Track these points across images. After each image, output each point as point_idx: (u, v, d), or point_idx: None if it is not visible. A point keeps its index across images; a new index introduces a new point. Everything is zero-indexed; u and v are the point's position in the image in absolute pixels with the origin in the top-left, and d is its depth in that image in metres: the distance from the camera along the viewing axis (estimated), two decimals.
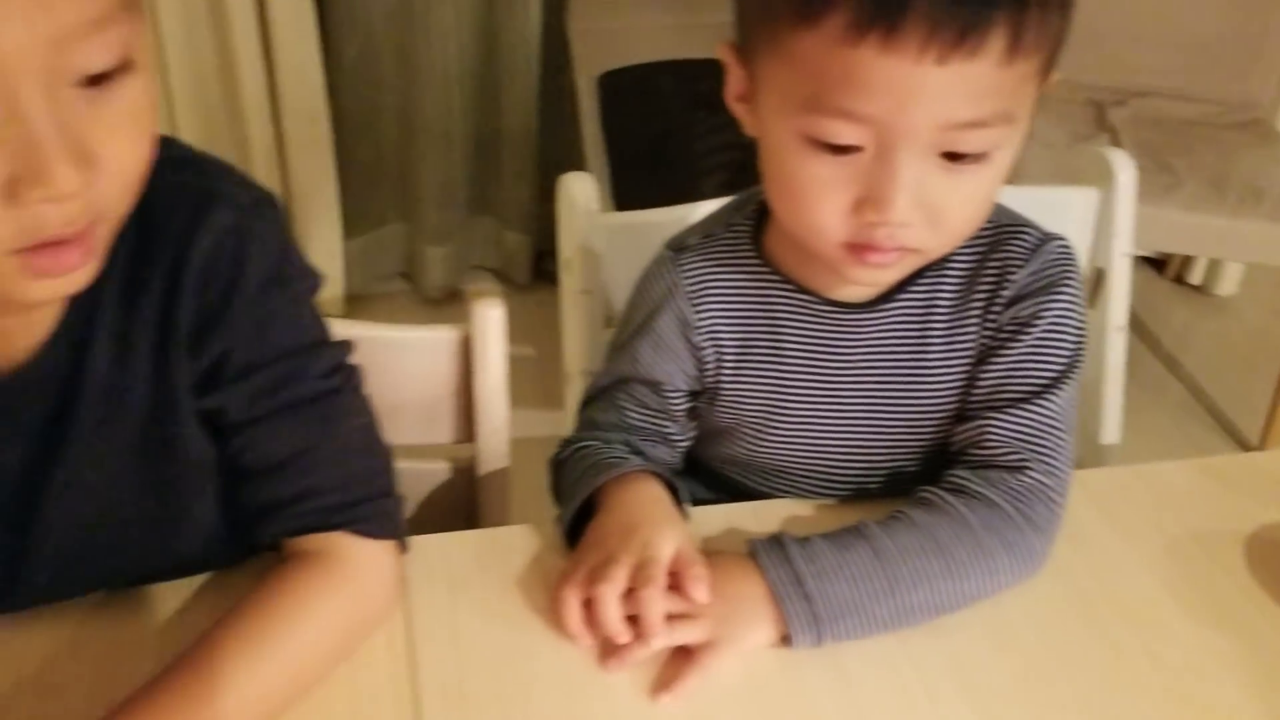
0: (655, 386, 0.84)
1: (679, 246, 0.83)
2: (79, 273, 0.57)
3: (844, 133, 0.66)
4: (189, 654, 0.63)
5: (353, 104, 2.18)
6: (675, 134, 2.13)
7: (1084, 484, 0.82)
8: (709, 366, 0.82)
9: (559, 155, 2.29)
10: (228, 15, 1.88)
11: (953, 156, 0.67)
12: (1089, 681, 0.69)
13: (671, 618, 0.69)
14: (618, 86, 2.10)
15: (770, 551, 0.72)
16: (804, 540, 0.72)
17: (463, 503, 0.95)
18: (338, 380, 0.70)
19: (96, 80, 0.53)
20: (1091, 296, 1.13)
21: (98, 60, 0.53)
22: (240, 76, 1.94)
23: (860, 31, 0.63)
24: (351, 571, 0.69)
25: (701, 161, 2.12)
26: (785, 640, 0.70)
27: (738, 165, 2.12)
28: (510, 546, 0.78)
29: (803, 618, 0.69)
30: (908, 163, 0.67)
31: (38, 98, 0.51)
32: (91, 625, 0.70)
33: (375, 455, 0.72)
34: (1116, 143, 2.19)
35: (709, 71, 2.40)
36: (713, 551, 0.74)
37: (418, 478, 0.94)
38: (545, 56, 2.20)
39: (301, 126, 2.04)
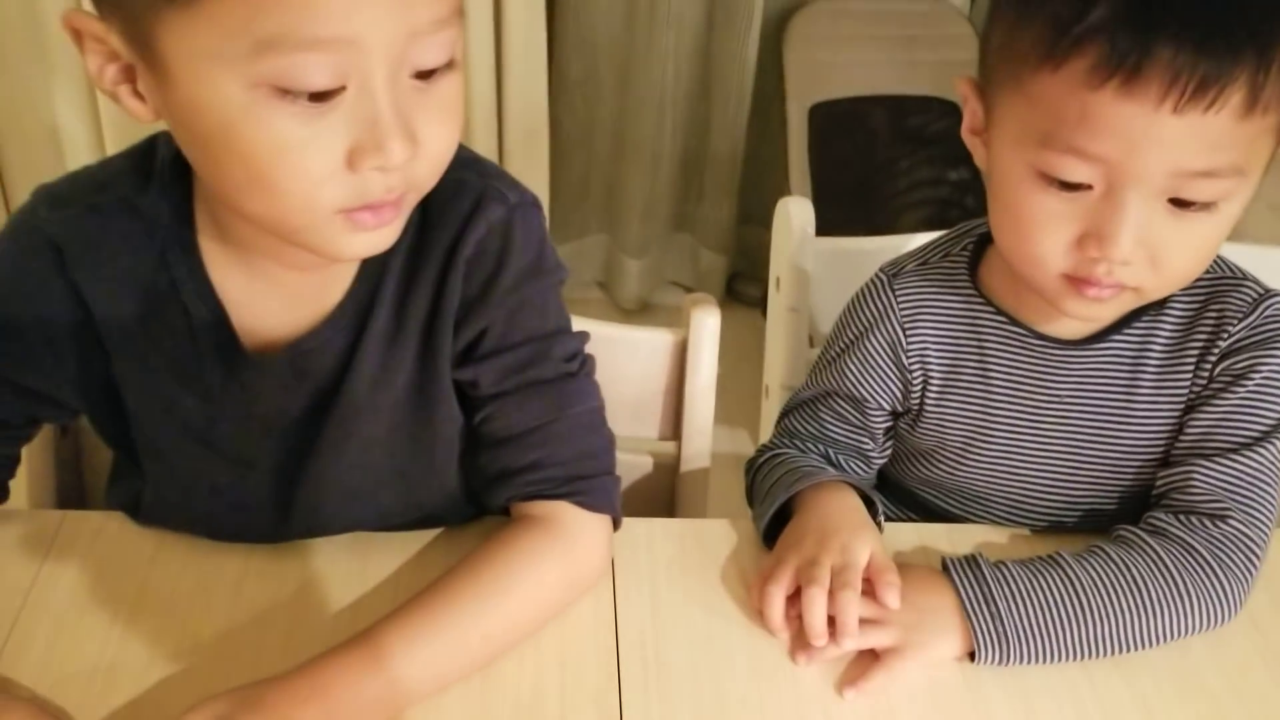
0: (858, 403, 0.88)
1: (895, 271, 0.87)
2: (387, 230, 0.65)
3: (1075, 170, 0.69)
4: (425, 594, 0.71)
5: (570, 119, 2.28)
6: (880, 167, 2.15)
7: None
8: (915, 388, 0.86)
9: (760, 181, 2.34)
10: (466, 29, 2.01)
11: (1180, 203, 0.69)
12: None
13: (863, 621, 0.73)
14: (828, 117, 2.14)
15: (963, 568, 0.75)
16: (997, 562, 0.75)
17: (662, 496, 1.00)
18: (575, 365, 0.77)
19: (427, 74, 0.62)
20: None
21: (433, 57, 0.61)
22: (471, 87, 2.06)
23: (1102, 76, 0.66)
24: (570, 538, 0.75)
25: (904, 196, 2.14)
26: (970, 655, 0.73)
27: (939, 202, 2.13)
28: (710, 537, 0.83)
29: (990, 635, 0.72)
30: (1135, 204, 0.69)
31: (385, 82, 0.59)
32: (340, 562, 0.78)
33: (601, 436, 0.79)
34: None
35: (919, 108, 2.41)
36: (905, 564, 0.77)
37: (622, 468, 1.00)
38: (758, 84, 2.25)
39: (522, 138, 2.14)
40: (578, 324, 0.81)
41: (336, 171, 0.61)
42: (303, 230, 0.64)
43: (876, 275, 0.87)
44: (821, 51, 2.17)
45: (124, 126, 1.88)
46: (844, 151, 2.15)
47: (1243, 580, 0.75)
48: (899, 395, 0.87)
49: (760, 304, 2.34)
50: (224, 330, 0.73)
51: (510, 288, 0.73)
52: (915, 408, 0.87)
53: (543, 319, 0.76)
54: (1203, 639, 0.75)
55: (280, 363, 0.73)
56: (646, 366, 0.97)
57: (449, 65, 0.63)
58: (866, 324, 0.86)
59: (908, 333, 0.85)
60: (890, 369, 0.86)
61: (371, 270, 0.72)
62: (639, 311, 2.41)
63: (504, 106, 2.11)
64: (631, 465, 1.00)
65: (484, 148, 2.14)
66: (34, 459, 0.93)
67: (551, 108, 2.16)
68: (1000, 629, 0.72)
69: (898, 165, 2.14)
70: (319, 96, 0.58)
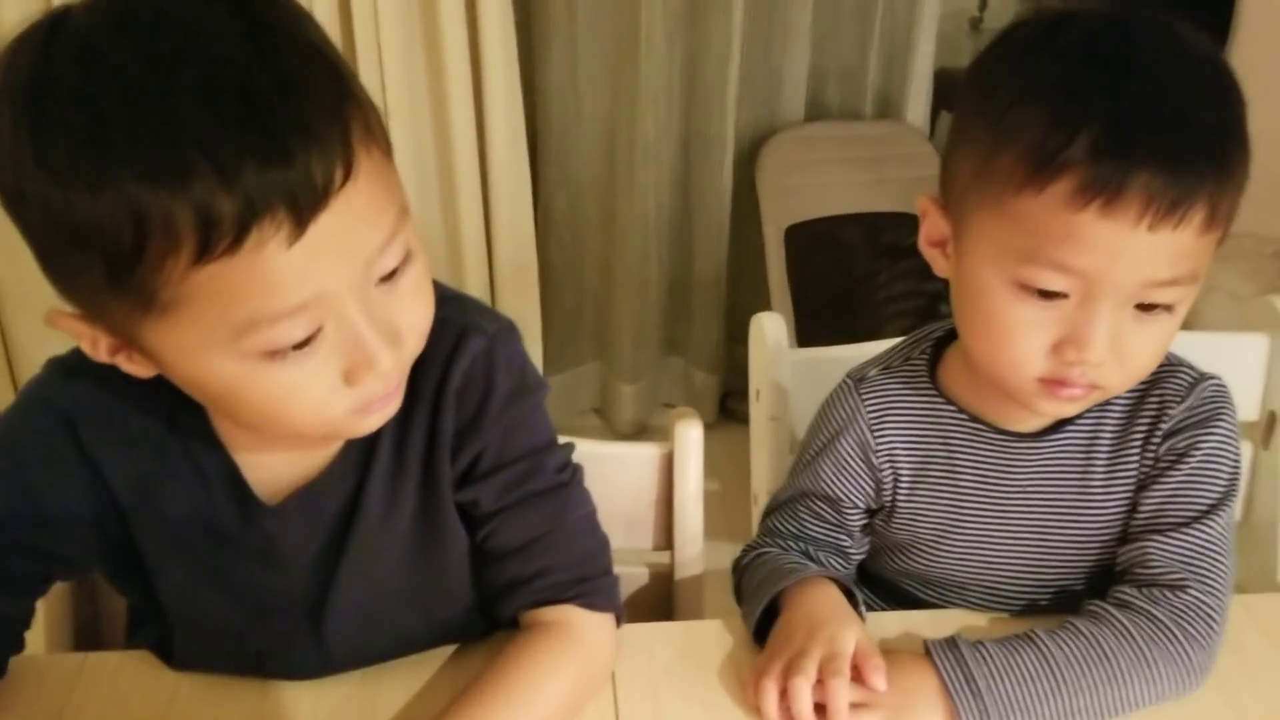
0: (833, 502, 0.93)
1: (860, 377, 0.94)
2: (394, 405, 0.72)
3: (1055, 282, 0.75)
4: (456, 706, 0.75)
5: (559, 253, 2.38)
6: (859, 283, 2.23)
7: (1248, 607, 0.87)
8: (886, 486, 0.91)
9: (746, 301, 2.43)
10: (454, 175, 2.11)
11: (1145, 307, 0.76)
12: None
13: (853, 705, 0.77)
14: (803, 237, 2.24)
15: (945, 650, 0.79)
16: (976, 642, 0.80)
17: (660, 604, 1.05)
18: (567, 475, 0.83)
19: (389, 276, 0.67)
20: (1265, 438, 1.17)
21: (389, 263, 0.66)
22: (461, 230, 2.15)
23: (1086, 199, 0.72)
24: (581, 638, 0.80)
25: (883, 309, 2.22)
26: None
27: (917, 312, 2.21)
28: (706, 638, 0.88)
29: (973, 712, 0.76)
30: (1107, 311, 0.75)
31: (355, 306, 0.65)
32: (354, 687, 0.82)
33: (597, 539, 0.84)
34: None
35: (890, 224, 2.51)
36: (889, 649, 0.82)
37: (620, 579, 1.04)
38: (735, 209, 2.35)
39: (512, 275, 2.23)
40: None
41: (337, 390, 0.67)
42: (320, 431, 0.71)
43: (843, 381, 0.94)
44: (792, 176, 2.28)
45: None
46: (821, 269, 2.24)
47: (1205, 647, 0.79)
48: (872, 494, 0.92)
49: None
50: (237, 480, 0.77)
51: (500, 410, 0.79)
52: (888, 504, 0.92)
53: (532, 435, 0.81)
54: (1176, 705, 0.79)
55: (293, 507, 0.78)
56: (637, 481, 1.02)
57: (406, 259, 0.68)
58: (837, 428, 0.92)
59: (875, 434, 0.91)
60: (862, 469, 0.91)
61: None
62: (635, 435, 2.47)
63: (493, 246, 2.20)
64: (629, 576, 1.04)
65: (476, 286, 2.22)
66: (52, 605, 0.96)
67: (539, 244, 2.25)
68: (982, 706, 0.76)
69: (875, 280, 2.22)
70: (302, 344, 0.64)
